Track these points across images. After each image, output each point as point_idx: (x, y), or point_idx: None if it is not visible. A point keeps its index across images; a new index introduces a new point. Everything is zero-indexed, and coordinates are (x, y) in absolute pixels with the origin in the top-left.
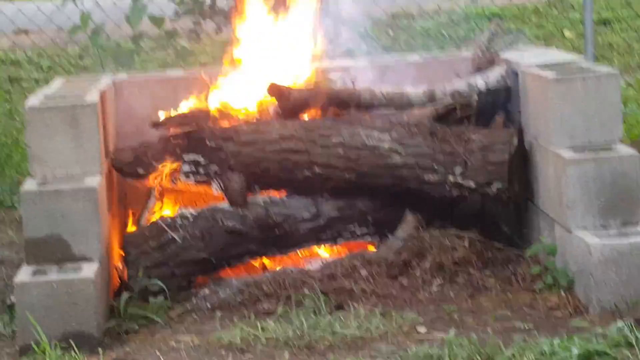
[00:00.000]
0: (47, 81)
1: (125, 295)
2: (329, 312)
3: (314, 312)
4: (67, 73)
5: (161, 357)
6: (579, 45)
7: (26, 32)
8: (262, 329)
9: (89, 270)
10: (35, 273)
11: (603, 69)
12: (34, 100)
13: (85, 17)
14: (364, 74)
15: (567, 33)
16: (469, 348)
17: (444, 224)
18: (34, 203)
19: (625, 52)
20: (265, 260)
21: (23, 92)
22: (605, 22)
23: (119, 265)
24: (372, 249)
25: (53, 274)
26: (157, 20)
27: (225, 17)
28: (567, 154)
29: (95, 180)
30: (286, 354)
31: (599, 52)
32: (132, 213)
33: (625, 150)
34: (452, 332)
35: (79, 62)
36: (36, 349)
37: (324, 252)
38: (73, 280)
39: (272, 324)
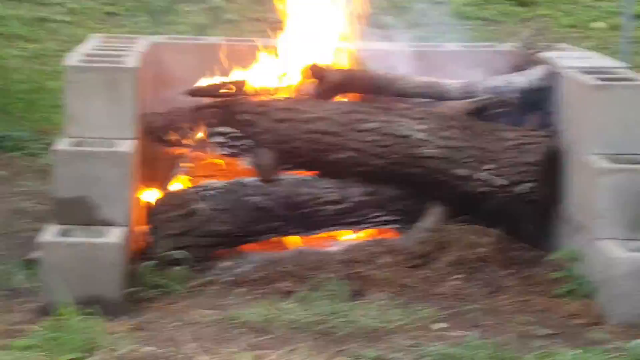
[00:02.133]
0: (71, 23)
1: (150, 263)
2: (348, 298)
3: (334, 297)
4: (92, 18)
5: (181, 329)
6: (608, 37)
7: None
8: (282, 309)
9: (116, 235)
10: (62, 233)
11: None
12: (73, 58)
13: None
14: (401, 59)
15: (597, 24)
16: (487, 352)
17: (469, 218)
18: (67, 163)
19: None
20: (290, 238)
21: (47, 33)
22: (637, 16)
23: (143, 230)
24: (394, 237)
25: (81, 236)
26: None
27: None
28: (602, 162)
29: (130, 145)
30: (305, 339)
31: (630, 48)
32: (160, 179)
33: None
34: (470, 332)
35: (104, 7)
36: (60, 309)
37: (347, 235)
38: (100, 244)
39: (292, 306)
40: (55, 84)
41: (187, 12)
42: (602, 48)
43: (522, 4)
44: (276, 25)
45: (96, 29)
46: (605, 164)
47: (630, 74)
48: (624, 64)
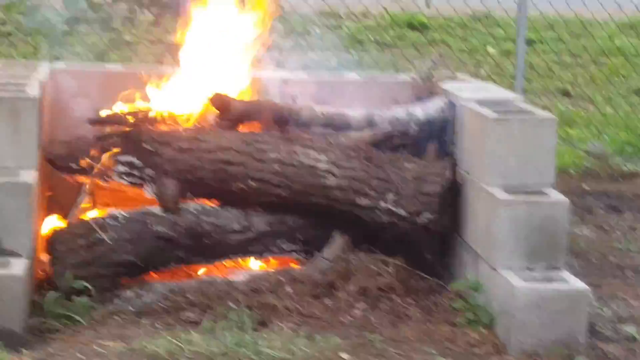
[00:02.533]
0: None
1: (53, 294)
2: (253, 328)
3: (238, 327)
4: None
5: None
6: (501, 62)
7: None
8: (187, 341)
9: (18, 267)
10: None
11: (541, 113)
12: None
13: None
14: (302, 88)
15: (490, 50)
16: None
17: (371, 247)
18: None
19: (546, 75)
20: (194, 268)
21: None
22: (528, 42)
23: (44, 260)
24: (297, 266)
25: None
26: (94, 6)
27: (163, 8)
28: (500, 194)
29: (31, 175)
30: None
31: (523, 73)
32: (60, 208)
33: (556, 196)
34: None
35: (1, 28)
36: None
37: (250, 264)
38: (2, 277)
39: (197, 336)
40: None
41: (84, 34)
42: (497, 74)
43: (415, 29)
44: (175, 48)
45: None
46: (503, 196)
47: (526, 106)
48: (519, 96)
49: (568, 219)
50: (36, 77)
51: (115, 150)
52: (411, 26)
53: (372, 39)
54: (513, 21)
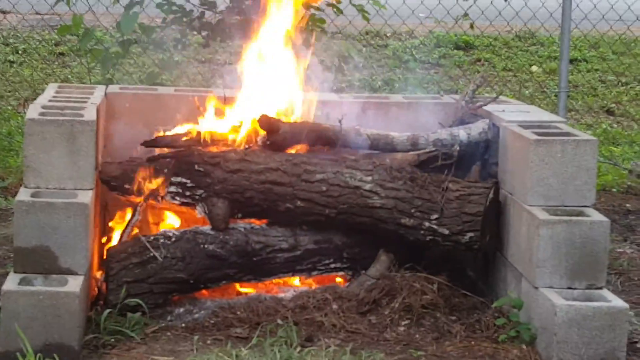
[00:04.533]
0: (21, 65)
1: (107, 311)
2: (300, 344)
3: (286, 343)
4: (43, 59)
5: None
6: (544, 81)
7: (4, 12)
8: (236, 356)
9: (75, 284)
10: (21, 282)
11: (582, 134)
12: (32, 111)
13: (77, 19)
14: (348, 110)
15: (534, 69)
16: None
17: (415, 266)
18: (27, 213)
19: (590, 94)
20: (243, 285)
21: None
22: (571, 61)
23: (98, 277)
24: (343, 283)
25: (39, 285)
26: (147, 30)
27: (213, 31)
28: (541, 214)
29: (88, 196)
30: None
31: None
32: (113, 226)
33: (597, 216)
34: None
35: (55, 49)
36: (20, 358)
37: (297, 282)
38: (59, 293)
39: (246, 352)
40: (7, 126)
41: (136, 55)
42: (540, 93)
43: (460, 48)
44: (223, 70)
45: (42, 69)
46: (544, 216)
47: (567, 128)
48: (561, 118)
49: (608, 239)
50: (92, 101)
51: (168, 171)
52: (456, 46)
53: (417, 58)
54: (556, 40)
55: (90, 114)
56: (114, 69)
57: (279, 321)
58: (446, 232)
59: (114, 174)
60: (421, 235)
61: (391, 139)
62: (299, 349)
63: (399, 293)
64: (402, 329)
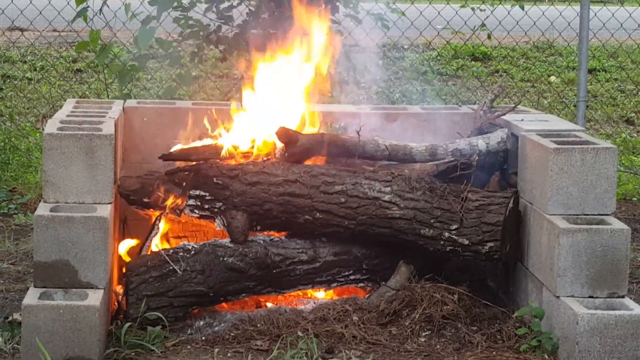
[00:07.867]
0: (39, 81)
1: (127, 324)
2: (321, 356)
3: (307, 355)
4: (60, 75)
5: None
6: (563, 91)
7: (22, 29)
8: None
9: (95, 298)
10: (42, 296)
11: (601, 142)
12: (51, 126)
13: (94, 35)
14: (366, 121)
15: (552, 79)
16: None
17: (435, 276)
18: (46, 228)
19: (609, 103)
20: (263, 297)
21: (16, 91)
22: (590, 71)
23: (118, 290)
24: (363, 295)
25: (59, 299)
26: (164, 44)
27: (230, 45)
28: (561, 223)
29: (107, 210)
30: None
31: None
32: (132, 239)
33: (617, 224)
34: None
35: (72, 65)
36: None
37: (317, 293)
38: (79, 307)
39: None
40: (25, 143)
41: (153, 70)
42: (559, 103)
43: (478, 59)
44: (241, 83)
45: (59, 86)
46: (564, 224)
47: (586, 136)
48: (580, 127)
49: (629, 247)
50: (110, 115)
51: (186, 184)
52: (474, 57)
53: (435, 70)
54: (574, 50)
55: (108, 128)
56: (131, 84)
57: (300, 333)
58: (466, 242)
59: (132, 188)
60: (441, 245)
61: (410, 150)
62: None
63: (420, 304)
64: (423, 339)
